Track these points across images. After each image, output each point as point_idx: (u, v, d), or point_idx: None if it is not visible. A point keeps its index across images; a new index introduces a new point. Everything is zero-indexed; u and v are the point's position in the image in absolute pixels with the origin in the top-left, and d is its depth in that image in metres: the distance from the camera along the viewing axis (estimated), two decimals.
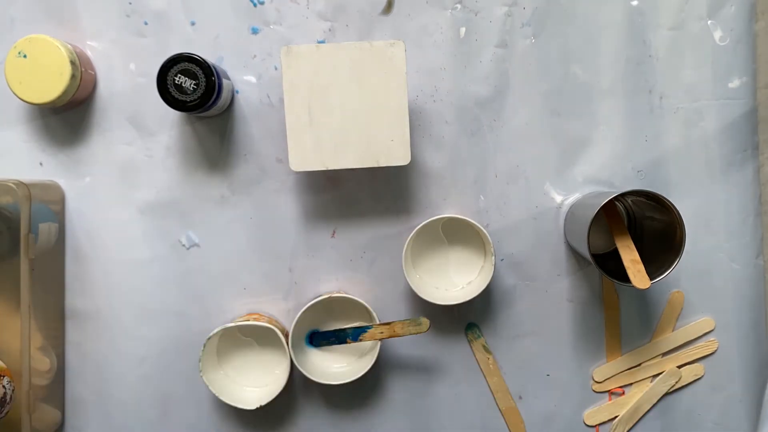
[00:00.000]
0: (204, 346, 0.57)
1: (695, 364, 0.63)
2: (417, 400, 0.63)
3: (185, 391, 0.62)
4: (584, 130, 0.62)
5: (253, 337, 0.61)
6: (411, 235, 0.57)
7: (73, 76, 0.56)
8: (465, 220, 0.58)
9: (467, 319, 0.62)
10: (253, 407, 0.57)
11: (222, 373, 0.60)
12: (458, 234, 0.61)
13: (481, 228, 0.58)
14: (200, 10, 0.61)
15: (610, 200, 0.53)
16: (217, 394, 0.58)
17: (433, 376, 0.63)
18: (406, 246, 0.58)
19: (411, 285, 0.58)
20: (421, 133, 0.61)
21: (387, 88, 0.54)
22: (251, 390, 0.60)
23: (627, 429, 0.63)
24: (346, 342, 0.59)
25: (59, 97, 0.56)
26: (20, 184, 0.54)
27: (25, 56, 0.55)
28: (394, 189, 0.62)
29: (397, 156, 0.55)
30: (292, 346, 0.58)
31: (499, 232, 0.62)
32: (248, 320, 0.58)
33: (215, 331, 0.57)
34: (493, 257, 0.57)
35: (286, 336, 0.58)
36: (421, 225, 0.58)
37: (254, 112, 0.61)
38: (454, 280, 0.62)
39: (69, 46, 0.57)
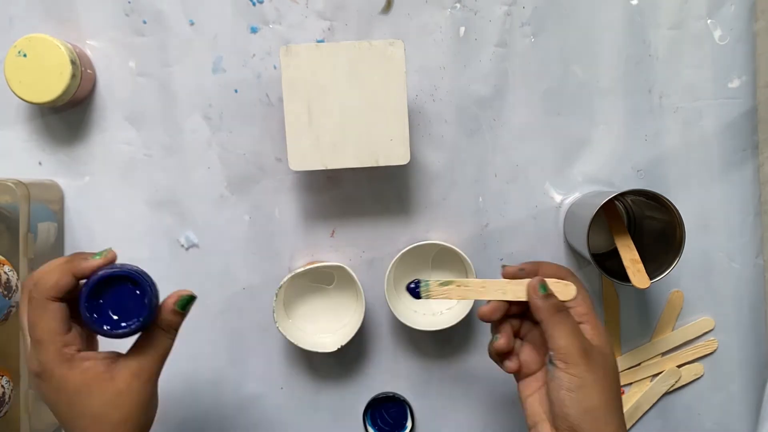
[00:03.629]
0: (276, 296, 0.57)
1: (695, 364, 0.63)
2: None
3: (184, 390, 0.62)
4: (584, 129, 0.62)
5: (320, 282, 0.62)
6: (395, 258, 0.57)
7: (73, 76, 0.56)
8: (452, 249, 0.57)
9: (468, 321, 0.62)
10: (333, 349, 0.57)
11: (290, 322, 0.60)
12: (442, 259, 0.61)
13: (466, 257, 0.57)
14: (199, 10, 0.61)
15: (610, 200, 0.53)
16: (296, 343, 0.57)
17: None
18: (389, 271, 0.57)
19: (391, 308, 0.58)
20: (420, 133, 0.61)
21: (386, 88, 0.54)
22: (324, 336, 0.60)
23: (627, 428, 0.63)
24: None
25: (59, 97, 0.56)
26: (19, 183, 0.54)
27: (25, 55, 0.55)
28: (393, 188, 0.62)
29: (397, 155, 0.55)
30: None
31: (498, 231, 0.62)
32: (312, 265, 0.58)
33: (285, 279, 0.57)
34: None
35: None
36: (407, 248, 0.57)
37: (253, 111, 0.61)
38: (432, 306, 0.62)
39: (69, 45, 0.57)
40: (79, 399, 0.41)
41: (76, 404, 0.41)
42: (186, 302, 0.45)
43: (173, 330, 0.45)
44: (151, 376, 0.44)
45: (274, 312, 0.57)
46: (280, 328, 0.57)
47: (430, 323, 0.59)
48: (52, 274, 0.42)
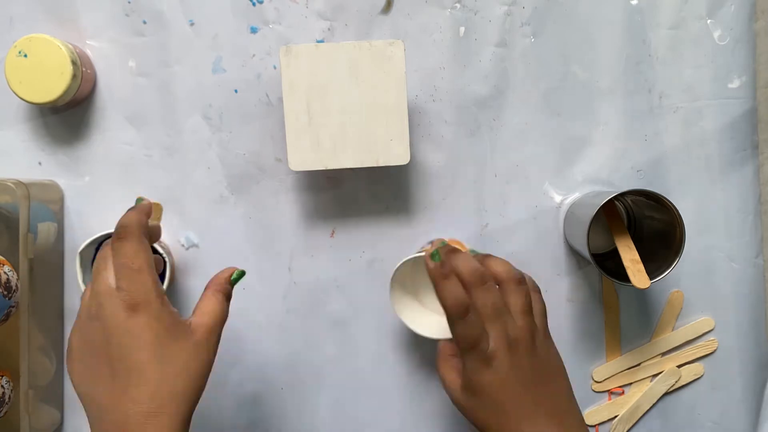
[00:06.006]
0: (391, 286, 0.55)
1: (695, 364, 0.63)
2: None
3: None
4: (584, 129, 0.62)
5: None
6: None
7: (74, 76, 0.56)
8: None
9: None
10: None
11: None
12: None
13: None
14: (199, 10, 0.61)
15: (610, 200, 0.53)
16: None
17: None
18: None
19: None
20: (420, 133, 0.61)
21: (386, 88, 0.54)
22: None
23: (627, 429, 0.63)
24: None
25: (60, 97, 0.56)
26: (19, 183, 0.54)
27: (25, 56, 0.55)
28: (393, 189, 0.62)
29: (397, 155, 0.55)
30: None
31: (498, 231, 0.62)
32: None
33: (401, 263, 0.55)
34: None
35: None
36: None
37: (253, 111, 0.61)
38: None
39: (69, 45, 0.57)
40: (167, 342, 0.40)
41: (162, 346, 0.40)
42: (239, 276, 0.48)
43: (227, 299, 0.47)
44: (218, 337, 0.45)
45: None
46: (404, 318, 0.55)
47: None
48: (135, 216, 0.44)
